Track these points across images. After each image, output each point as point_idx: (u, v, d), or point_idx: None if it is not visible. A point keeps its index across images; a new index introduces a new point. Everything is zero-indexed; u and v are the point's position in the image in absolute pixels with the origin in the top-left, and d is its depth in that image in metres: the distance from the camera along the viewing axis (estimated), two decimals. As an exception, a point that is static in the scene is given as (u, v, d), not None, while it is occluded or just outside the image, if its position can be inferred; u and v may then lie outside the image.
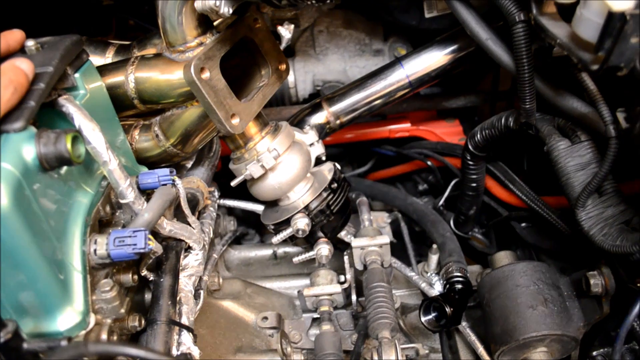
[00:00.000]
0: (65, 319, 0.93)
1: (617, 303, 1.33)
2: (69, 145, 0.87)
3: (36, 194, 0.87)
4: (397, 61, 1.68)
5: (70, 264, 0.95)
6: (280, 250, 1.81)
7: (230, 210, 1.91)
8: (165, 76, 1.24)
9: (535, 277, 1.37)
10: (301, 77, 2.05)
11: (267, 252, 1.82)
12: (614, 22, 0.86)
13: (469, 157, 1.59)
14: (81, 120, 0.98)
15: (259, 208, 1.70)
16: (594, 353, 1.43)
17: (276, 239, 1.48)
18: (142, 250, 0.97)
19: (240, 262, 1.82)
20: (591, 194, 1.20)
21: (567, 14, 1.04)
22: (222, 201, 1.76)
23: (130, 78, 1.26)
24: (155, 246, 1.03)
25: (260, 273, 1.83)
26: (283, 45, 1.37)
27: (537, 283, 1.36)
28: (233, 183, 1.40)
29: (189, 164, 1.54)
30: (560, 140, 1.27)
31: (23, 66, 0.91)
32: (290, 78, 2.04)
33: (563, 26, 1.04)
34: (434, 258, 1.65)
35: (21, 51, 0.99)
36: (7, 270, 0.86)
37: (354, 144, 2.19)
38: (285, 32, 1.34)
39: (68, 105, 0.99)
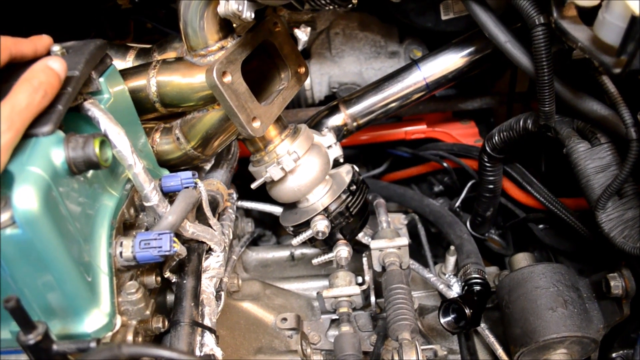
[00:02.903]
0: (93, 321, 0.94)
1: (638, 305, 1.33)
2: (97, 149, 0.88)
3: (64, 197, 0.88)
4: (414, 63, 1.68)
5: (97, 266, 0.96)
6: (298, 252, 1.82)
7: (247, 212, 1.93)
8: (187, 80, 1.25)
9: (555, 278, 1.38)
10: (317, 79, 2.05)
11: (284, 253, 1.83)
12: (637, 26, 0.87)
13: (486, 159, 1.59)
14: (107, 124, 0.99)
15: (277, 210, 1.71)
16: (614, 355, 1.44)
17: (296, 240, 1.48)
18: (167, 253, 0.99)
19: (258, 263, 1.83)
20: (611, 196, 1.20)
21: (588, 17, 1.05)
22: (240, 203, 1.77)
23: (152, 82, 1.27)
24: (179, 248, 1.04)
25: (278, 274, 1.84)
26: (300, 48, 1.38)
27: (556, 285, 1.36)
28: (253, 185, 1.41)
29: (208, 166, 1.55)
30: (580, 143, 1.27)
31: (55, 66, 0.90)
32: (306, 80, 2.04)
33: (584, 29, 1.04)
34: (451, 260, 1.66)
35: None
36: (36, 273, 0.87)
37: (369, 145, 2.19)
38: (302, 34, 1.35)
39: (93, 109, 1.00)
